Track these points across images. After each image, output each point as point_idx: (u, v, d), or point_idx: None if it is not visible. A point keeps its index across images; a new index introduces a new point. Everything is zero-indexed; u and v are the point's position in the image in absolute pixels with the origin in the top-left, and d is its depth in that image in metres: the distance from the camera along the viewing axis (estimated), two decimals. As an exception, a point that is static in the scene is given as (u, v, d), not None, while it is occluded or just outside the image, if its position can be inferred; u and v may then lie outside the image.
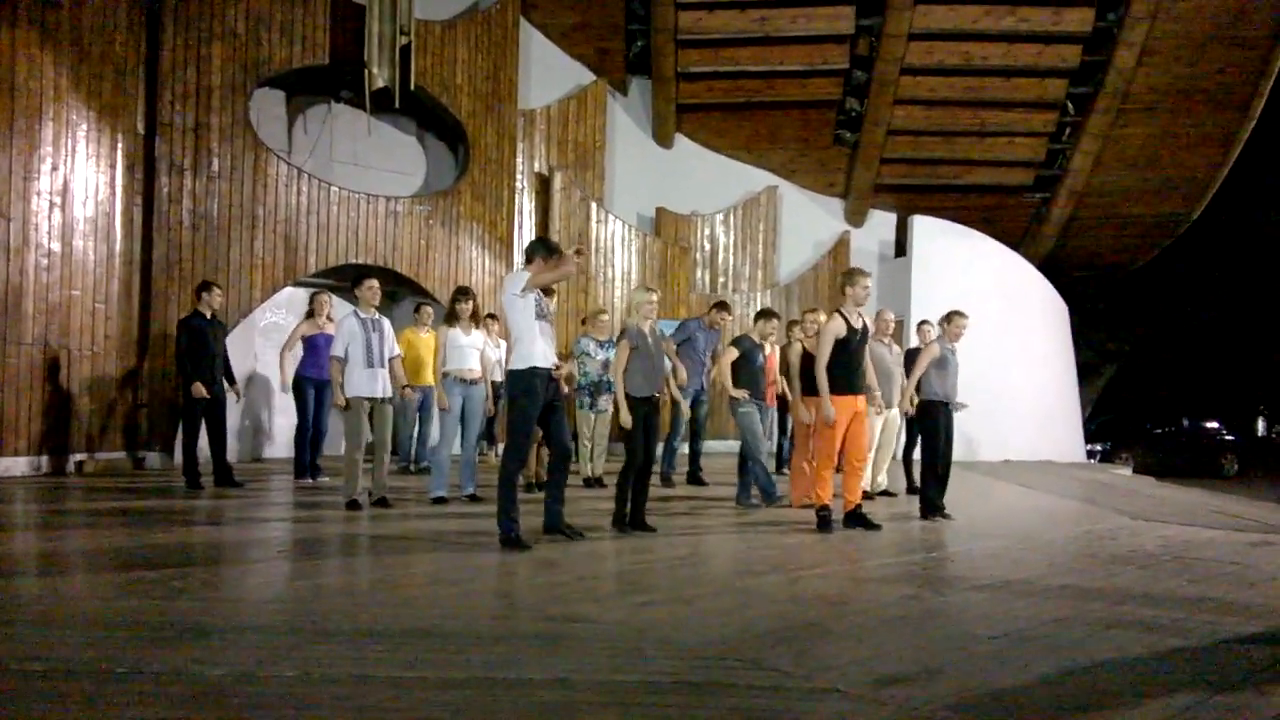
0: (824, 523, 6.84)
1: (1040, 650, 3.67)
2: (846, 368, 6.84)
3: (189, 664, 3.22)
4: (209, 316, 8.68)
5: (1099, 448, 20.67)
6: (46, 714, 2.77)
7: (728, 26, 15.01)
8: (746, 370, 8.17)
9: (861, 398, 7.00)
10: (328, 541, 6.22)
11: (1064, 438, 16.72)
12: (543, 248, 6.03)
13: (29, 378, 9.28)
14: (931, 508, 7.67)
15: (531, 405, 5.81)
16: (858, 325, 6.89)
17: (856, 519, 6.97)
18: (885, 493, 9.42)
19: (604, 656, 3.44)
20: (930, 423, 7.79)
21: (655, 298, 6.89)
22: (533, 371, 5.80)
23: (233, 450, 11.52)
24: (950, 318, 7.92)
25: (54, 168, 9.55)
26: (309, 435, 9.35)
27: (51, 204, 9.54)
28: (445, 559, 5.53)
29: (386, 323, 7.63)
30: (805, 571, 5.27)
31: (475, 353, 8.26)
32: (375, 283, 7.63)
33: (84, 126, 9.86)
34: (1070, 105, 16.16)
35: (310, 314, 9.48)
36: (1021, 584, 5.09)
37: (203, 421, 8.78)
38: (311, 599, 4.43)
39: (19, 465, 9.20)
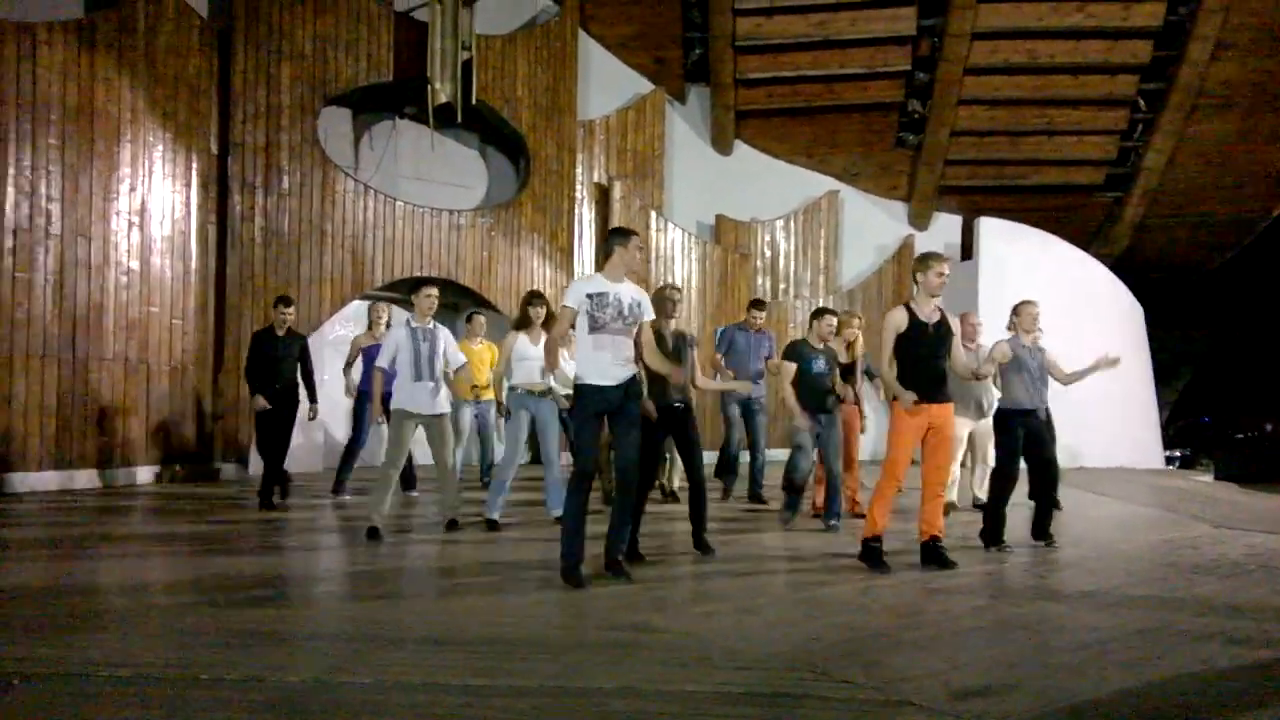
0: (871, 555, 5.62)
1: (1120, 663, 3.57)
2: (914, 369, 5.71)
3: (268, 670, 3.29)
4: (281, 333, 8.30)
5: (1178, 453, 20.04)
6: (133, 719, 2.85)
7: (786, 31, 14.94)
8: (804, 380, 7.29)
9: (939, 408, 5.72)
10: (397, 553, 6.30)
11: (1141, 443, 16.23)
12: (617, 238, 5.32)
13: (110, 392, 9.59)
14: (994, 537, 6.46)
15: (583, 424, 5.14)
16: (928, 319, 5.75)
17: (932, 554, 5.71)
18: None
19: (673, 666, 3.44)
20: (1004, 436, 6.68)
21: (678, 296, 6.31)
22: (580, 389, 5.13)
23: (296, 461, 11.60)
24: (1016, 310, 6.94)
25: (132, 188, 9.88)
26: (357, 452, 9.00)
27: (130, 223, 9.86)
28: (511, 570, 5.57)
29: (444, 333, 7.04)
30: (875, 581, 5.20)
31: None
32: (434, 291, 7.13)
33: (160, 147, 10.18)
34: (1142, 101, 15.75)
35: (369, 325, 9.20)
36: (1100, 595, 4.95)
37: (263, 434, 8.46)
38: (384, 608, 4.50)
39: (101, 477, 9.50)
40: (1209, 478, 16.62)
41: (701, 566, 5.65)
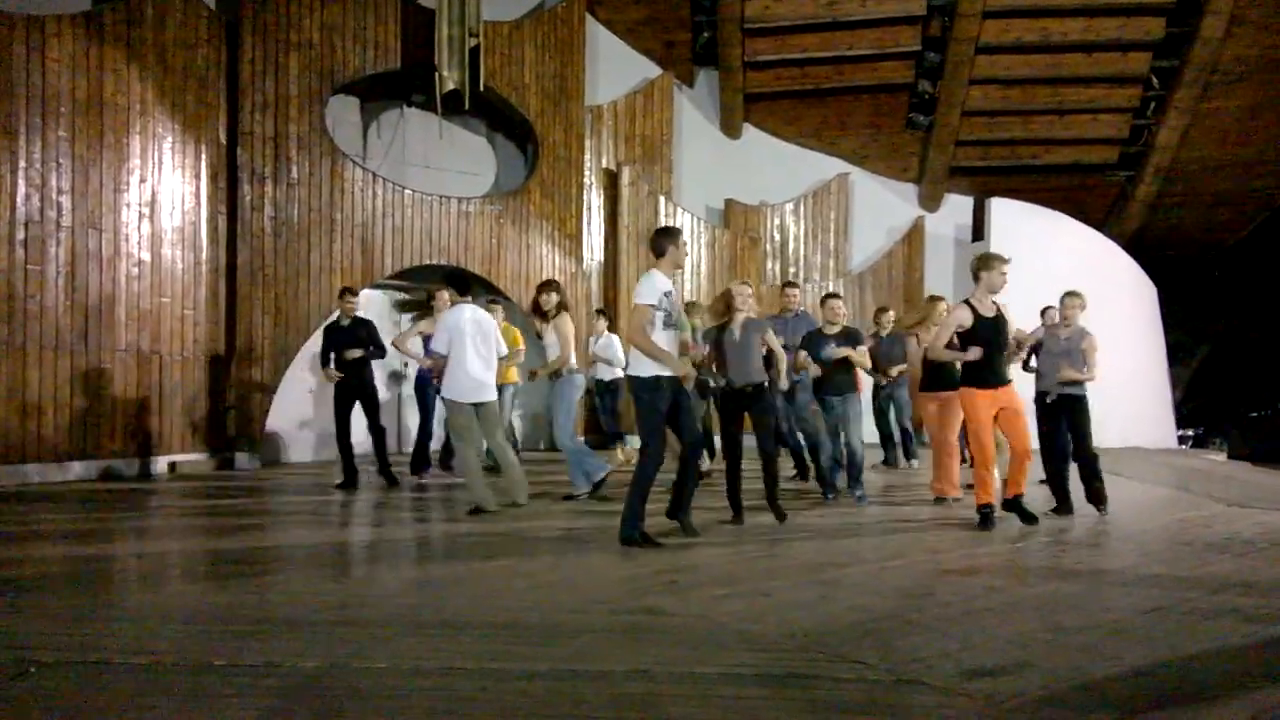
0: (984, 520, 6.43)
1: (1133, 641, 3.57)
2: (979, 360, 6.43)
3: (284, 656, 3.32)
4: (346, 323, 8.80)
5: (1191, 433, 19.95)
6: (152, 706, 2.88)
7: (795, 13, 14.87)
8: (819, 362, 7.77)
9: (1004, 390, 6.47)
10: (411, 539, 6.35)
11: (1154, 423, 16.20)
12: (670, 238, 5.84)
13: (123, 383, 9.65)
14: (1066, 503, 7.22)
15: (657, 407, 5.66)
16: (988, 314, 6.49)
17: (1013, 507, 6.65)
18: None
19: (685, 649, 3.45)
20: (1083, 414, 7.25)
21: (750, 290, 6.88)
22: (656, 380, 5.65)
23: (309, 451, 11.82)
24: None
25: (142, 180, 9.91)
26: (429, 434, 9.56)
27: (141, 215, 9.90)
28: (523, 554, 5.59)
29: (492, 323, 7.41)
30: (887, 563, 5.21)
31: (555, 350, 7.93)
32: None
33: (169, 139, 10.20)
34: (1155, 79, 15.61)
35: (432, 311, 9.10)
36: (1112, 574, 4.95)
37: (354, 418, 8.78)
38: (398, 593, 4.53)
39: (115, 468, 9.58)
40: (1222, 456, 16.57)
41: (713, 549, 5.66)
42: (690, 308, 9.07)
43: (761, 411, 6.72)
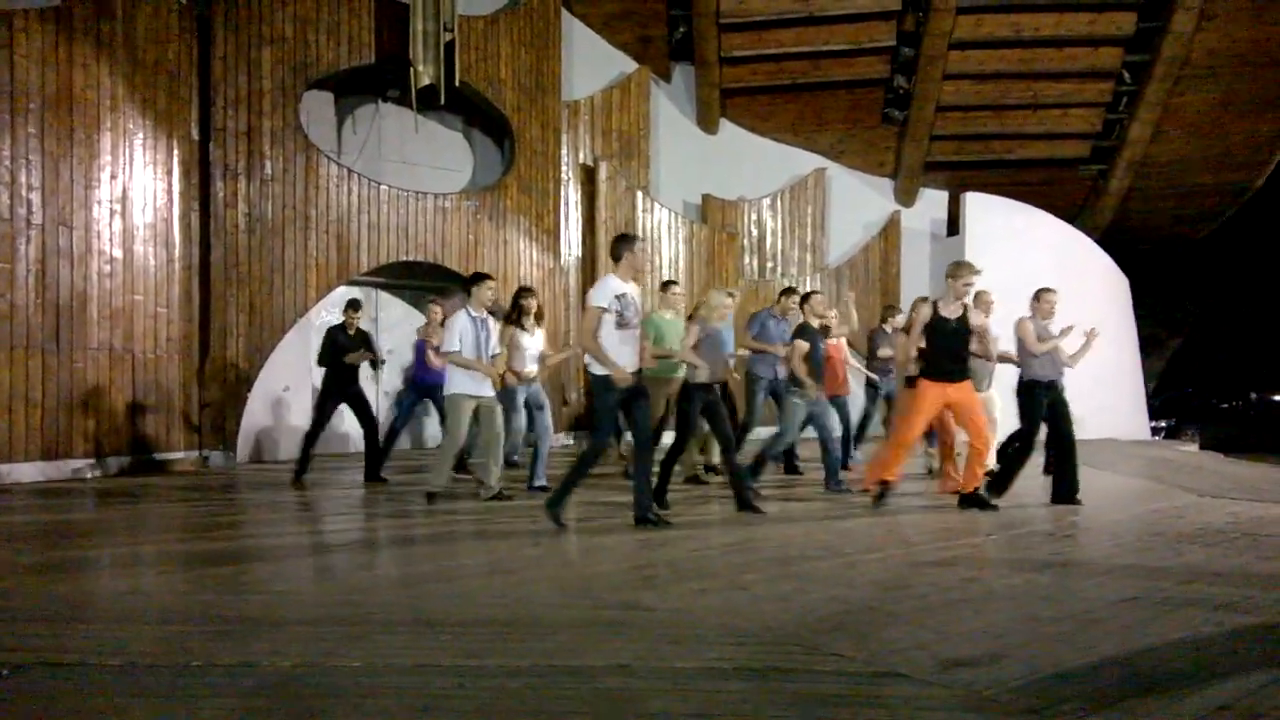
0: (879, 496, 7.12)
1: (1107, 631, 3.61)
2: (935, 354, 7.04)
3: (260, 656, 3.30)
4: (351, 333, 9.02)
5: (1163, 424, 20.18)
6: (127, 706, 2.86)
7: (771, 8, 14.89)
8: (811, 358, 7.94)
9: (957, 385, 7.03)
10: (388, 536, 6.32)
11: (1127, 414, 16.35)
12: (625, 244, 6.16)
13: (96, 382, 9.54)
14: (996, 490, 7.33)
15: (610, 402, 6.05)
16: (948, 314, 7.02)
17: (973, 501, 7.07)
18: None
19: (663, 643, 3.46)
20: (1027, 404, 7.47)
21: (732, 302, 7.28)
22: (607, 378, 5.98)
23: (285, 449, 11.74)
24: (1039, 295, 7.70)
25: (113, 176, 9.79)
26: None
27: (112, 211, 9.78)
28: (501, 550, 5.59)
29: (492, 321, 7.72)
30: (862, 556, 5.24)
31: (536, 353, 8.45)
32: (494, 283, 7.76)
33: (140, 135, 10.08)
34: (1126, 74, 15.75)
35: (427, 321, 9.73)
36: (1086, 564, 5.00)
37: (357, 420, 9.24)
38: (375, 591, 4.51)
39: (88, 467, 9.47)
40: (1194, 447, 16.77)
41: (691, 543, 5.67)
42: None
43: (723, 405, 7.19)
